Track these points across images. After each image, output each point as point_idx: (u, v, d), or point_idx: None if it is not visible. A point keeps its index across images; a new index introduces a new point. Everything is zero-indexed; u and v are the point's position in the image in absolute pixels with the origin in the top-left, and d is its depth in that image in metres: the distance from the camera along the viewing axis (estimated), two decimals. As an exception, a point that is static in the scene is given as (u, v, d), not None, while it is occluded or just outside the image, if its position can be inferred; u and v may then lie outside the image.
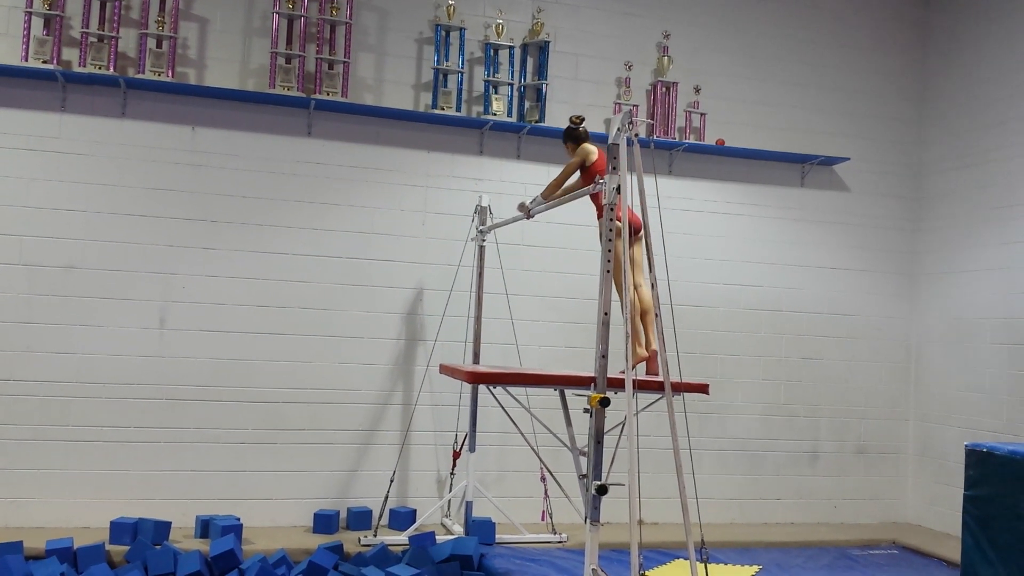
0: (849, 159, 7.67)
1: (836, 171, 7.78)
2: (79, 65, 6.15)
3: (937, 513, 7.41)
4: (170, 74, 6.26)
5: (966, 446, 4.81)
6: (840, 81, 7.83)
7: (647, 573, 5.57)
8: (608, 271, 4.19)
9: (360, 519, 6.39)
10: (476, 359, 6.52)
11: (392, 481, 6.34)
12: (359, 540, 6.03)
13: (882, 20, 7.97)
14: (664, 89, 7.30)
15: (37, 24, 6.11)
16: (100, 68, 6.14)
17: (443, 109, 6.76)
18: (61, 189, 6.15)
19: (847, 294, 7.74)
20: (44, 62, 6.05)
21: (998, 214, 7.07)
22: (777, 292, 7.58)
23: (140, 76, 6.20)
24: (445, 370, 5.97)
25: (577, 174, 5.30)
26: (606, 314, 4.15)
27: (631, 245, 4.77)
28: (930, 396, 7.62)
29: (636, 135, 4.09)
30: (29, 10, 6.03)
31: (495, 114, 6.86)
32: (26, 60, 6.04)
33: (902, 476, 7.78)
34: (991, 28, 7.32)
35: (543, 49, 7.03)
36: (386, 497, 6.28)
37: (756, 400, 7.47)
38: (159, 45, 6.28)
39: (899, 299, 7.86)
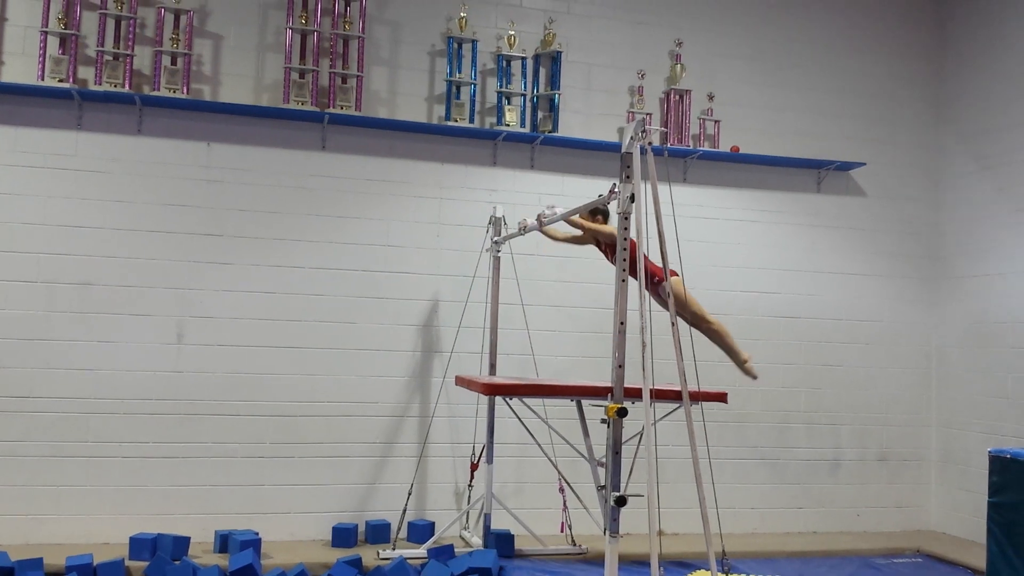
0: (866, 164, 7.62)
1: (853, 176, 7.73)
2: (95, 83, 6.20)
3: (961, 520, 7.31)
4: (185, 91, 6.30)
5: (990, 452, 4.76)
6: (855, 85, 7.78)
7: (668, 584, 5.53)
8: (623, 280, 4.16)
9: (379, 532, 6.38)
10: (492, 370, 6.50)
11: (410, 494, 6.33)
12: (378, 553, 6.01)
13: (897, 23, 7.92)
14: (677, 97, 7.28)
15: (53, 43, 6.17)
16: (116, 86, 6.19)
17: (456, 121, 6.77)
18: (78, 206, 6.19)
19: (866, 300, 7.67)
20: (60, 81, 6.10)
21: (1018, 217, 6.99)
22: (795, 299, 7.52)
23: (155, 93, 6.25)
24: (461, 382, 5.95)
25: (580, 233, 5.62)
26: (622, 323, 4.13)
27: (647, 289, 4.44)
28: (952, 402, 7.53)
29: (650, 143, 4.07)
30: (45, 29, 6.09)
31: (508, 125, 6.86)
32: (42, 79, 6.09)
33: (925, 483, 7.69)
34: (1008, 29, 7.26)
35: (555, 59, 7.03)
36: (404, 510, 6.26)
37: (775, 408, 7.41)
38: (174, 62, 6.32)
39: (919, 304, 7.78)
